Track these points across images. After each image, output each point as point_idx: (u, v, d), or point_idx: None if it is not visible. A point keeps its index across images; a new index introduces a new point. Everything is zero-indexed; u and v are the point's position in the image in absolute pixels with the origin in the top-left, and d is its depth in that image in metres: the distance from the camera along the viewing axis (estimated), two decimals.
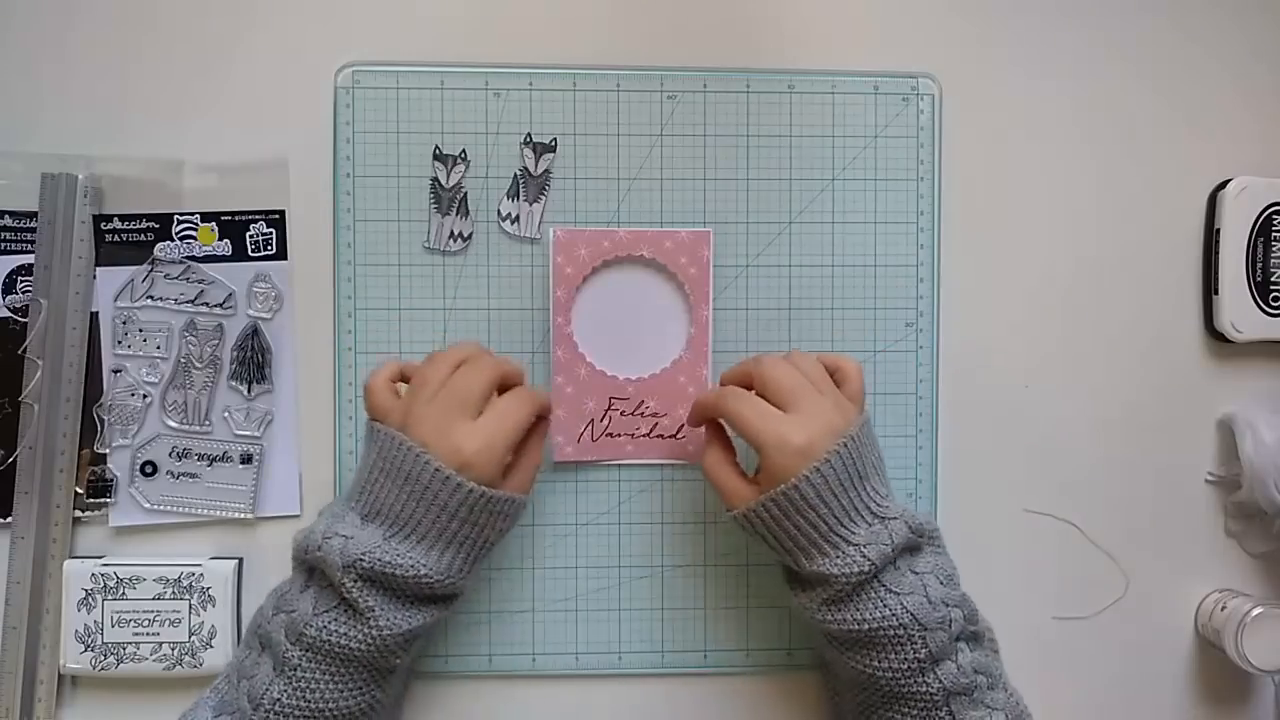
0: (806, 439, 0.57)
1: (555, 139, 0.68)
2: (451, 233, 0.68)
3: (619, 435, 0.68)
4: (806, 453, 0.57)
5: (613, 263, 0.68)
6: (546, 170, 0.67)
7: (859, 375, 0.63)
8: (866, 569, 0.57)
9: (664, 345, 0.69)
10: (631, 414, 0.68)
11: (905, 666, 0.57)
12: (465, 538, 0.58)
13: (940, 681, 0.57)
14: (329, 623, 0.56)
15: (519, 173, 0.67)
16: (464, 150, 0.67)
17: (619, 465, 0.69)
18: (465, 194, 0.68)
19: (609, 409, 0.68)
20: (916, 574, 0.58)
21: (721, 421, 0.64)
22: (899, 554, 0.59)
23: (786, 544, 0.59)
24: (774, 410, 0.59)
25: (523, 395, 0.61)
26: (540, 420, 0.63)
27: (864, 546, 0.57)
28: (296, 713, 0.56)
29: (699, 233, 0.68)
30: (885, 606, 0.57)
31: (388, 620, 0.56)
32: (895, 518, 0.58)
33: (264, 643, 0.58)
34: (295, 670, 0.56)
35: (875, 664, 0.58)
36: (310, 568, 0.59)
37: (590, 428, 0.68)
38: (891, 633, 0.57)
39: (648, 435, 0.68)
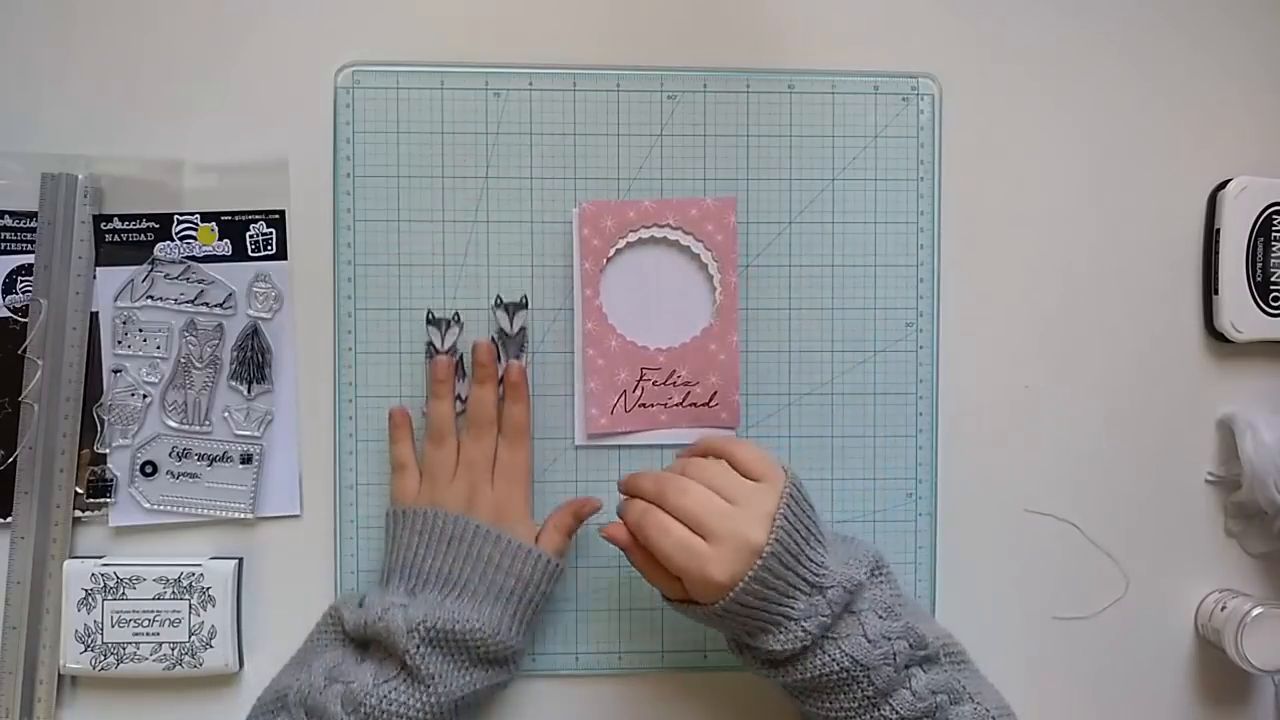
0: (728, 575, 0.56)
1: (525, 296, 0.68)
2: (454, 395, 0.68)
3: (652, 405, 0.68)
4: (729, 586, 0.56)
5: (639, 232, 0.68)
6: (522, 328, 0.68)
7: (754, 458, 0.60)
8: (808, 641, 0.57)
9: (693, 313, 0.69)
10: (664, 384, 0.68)
11: (855, 705, 0.57)
12: (511, 592, 0.63)
13: (897, 712, 0.57)
14: (390, 692, 0.59)
15: (495, 335, 0.68)
16: (457, 313, 0.68)
17: (618, 463, 0.69)
18: (461, 356, 0.68)
19: (641, 379, 0.68)
20: (853, 613, 0.58)
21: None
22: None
23: (735, 632, 0.60)
24: (694, 542, 0.57)
25: (513, 441, 0.66)
26: (581, 499, 0.67)
27: (803, 620, 0.57)
28: None
29: (725, 199, 0.68)
30: (825, 654, 0.57)
31: (446, 686, 0.60)
32: (831, 586, 0.58)
33: (312, 713, 0.59)
34: None
35: (826, 707, 0.58)
36: (365, 642, 0.62)
37: (623, 399, 0.68)
38: (835, 677, 0.57)
39: (680, 404, 0.68)
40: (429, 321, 0.68)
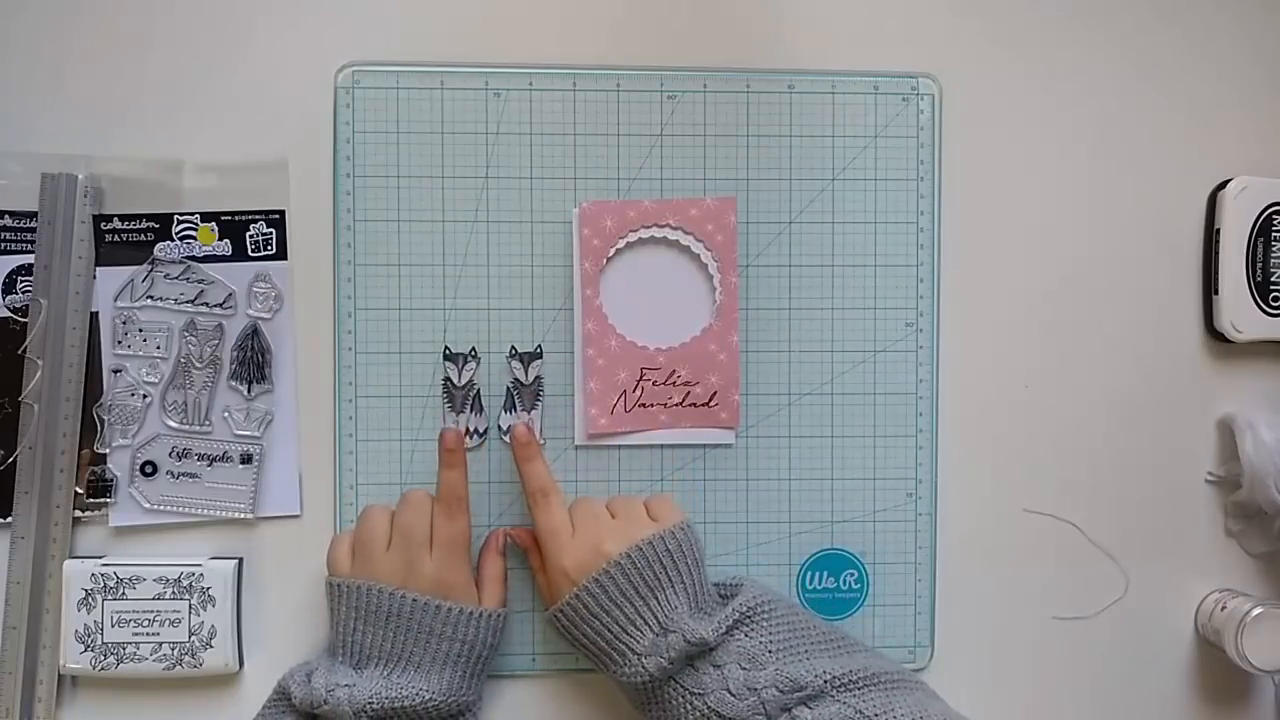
0: (574, 562, 0.62)
1: (540, 345, 0.68)
2: (468, 429, 0.68)
3: (652, 405, 0.68)
4: (571, 575, 0.62)
5: (639, 232, 0.68)
6: (538, 377, 0.68)
7: (662, 502, 0.65)
8: (647, 679, 0.59)
9: (693, 313, 0.69)
10: (663, 384, 0.68)
11: None
12: (459, 655, 0.62)
13: None
14: None
15: (511, 385, 0.68)
16: (473, 348, 0.68)
17: (618, 463, 0.69)
18: (478, 390, 0.68)
19: (641, 379, 0.68)
20: (717, 668, 0.59)
21: None
22: (696, 656, 0.60)
23: (587, 650, 0.62)
24: (563, 530, 0.63)
25: (452, 510, 0.63)
26: (491, 535, 0.67)
27: (644, 657, 0.60)
28: None
29: (725, 199, 0.68)
30: (693, 709, 0.59)
31: None
32: (674, 631, 0.59)
33: None
34: None
35: None
36: (314, 717, 0.61)
37: (623, 399, 0.68)
38: None
39: (680, 404, 0.68)
40: (446, 358, 0.68)
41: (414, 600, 0.61)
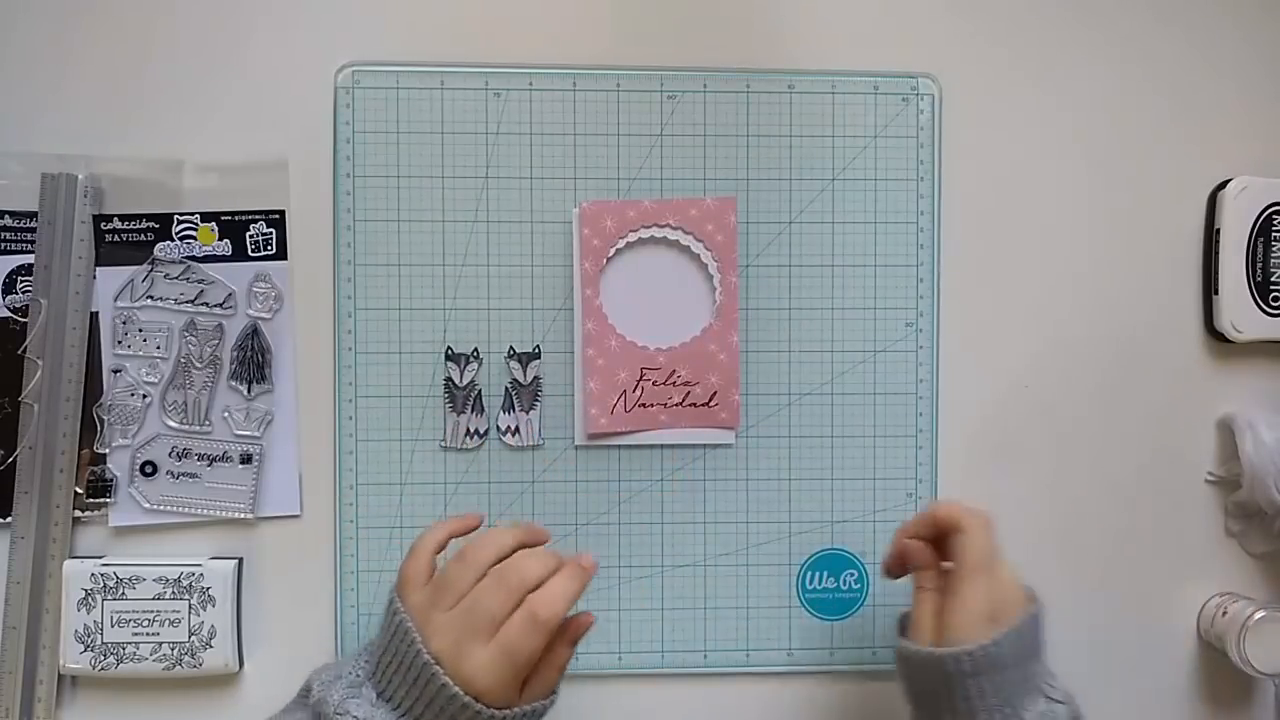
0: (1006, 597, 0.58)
1: (538, 346, 0.68)
2: (468, 430, 0.68)
3: (652, 405, 0.68)
4: (994, 617, 0.57)
5: (639, 232, 0.68)
6: (536, 378, 0.68)
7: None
8: None
9: (693, 313, 0.69)
10: (664, 383, 0.68)
11: None
12: None
13: None
14: None
15: (509, 385, 0.68)
16: (475, 349, 0.68)
17: (618, 463, 0.69)
18: (479, 391, 0.68)
19: (641, 379, 0.68)
20: None
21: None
22: None
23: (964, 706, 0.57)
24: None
25: (535, 622, 0.55)
26: (577, 620, 0.59)
27: None
28: None
29: (725, 199, 0.68)
30: None
31: None
32: (1063, 702, 0.57)
33: None
34: None
35: None
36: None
37: (623, 399, 0.68)
38: None
39: (680, 404, 0.68)
40: (448, 358, 0.68)
41: (443, 686, 0.54)
